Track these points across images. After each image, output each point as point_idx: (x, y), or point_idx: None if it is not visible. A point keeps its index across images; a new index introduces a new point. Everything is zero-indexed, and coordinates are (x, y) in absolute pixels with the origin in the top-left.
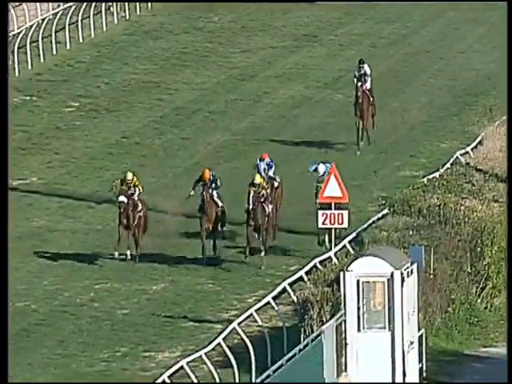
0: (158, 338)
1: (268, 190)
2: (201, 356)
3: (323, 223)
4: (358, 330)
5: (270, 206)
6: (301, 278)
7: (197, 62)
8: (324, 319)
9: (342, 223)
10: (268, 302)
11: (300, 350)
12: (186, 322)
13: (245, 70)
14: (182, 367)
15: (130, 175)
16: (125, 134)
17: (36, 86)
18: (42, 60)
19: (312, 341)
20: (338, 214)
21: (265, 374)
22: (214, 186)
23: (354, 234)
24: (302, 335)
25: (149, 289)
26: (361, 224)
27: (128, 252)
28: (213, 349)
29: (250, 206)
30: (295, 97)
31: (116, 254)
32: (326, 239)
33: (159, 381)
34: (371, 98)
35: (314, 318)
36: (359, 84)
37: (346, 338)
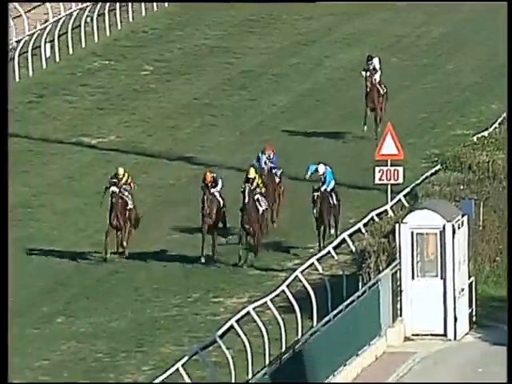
0: (226, 285)
1: (264, 188)
2: (266, 302)
3: (380, 179)
4: (412, 277)
5: (264, 205)
6: (359, 230)
7: (262, 29)
8: (380, 268)
9: (398, 179)
10: (328, 252)
11: (358, 297)
12: (253, 270)
13: (307, 35)
14: (248, 312)
15: (121, 170)
16: (195, 95)
17: (114, 51)
18: (119, 27)
19: (369, 288)
20: (394, 171)
21: (325, 319)
22: (215, 186)
23: (408, 189)
24: (360, 283)
25: (217, 239)
26: (415, 179)
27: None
28: (277, 295)
29: (245, 204)
30: (353, 60)
31: (106, 253)
32: (332, 231)
33: (223, 329)
34: (381, 90)
35: (371, 266)
36: (368, 75)
37: (401, 286)
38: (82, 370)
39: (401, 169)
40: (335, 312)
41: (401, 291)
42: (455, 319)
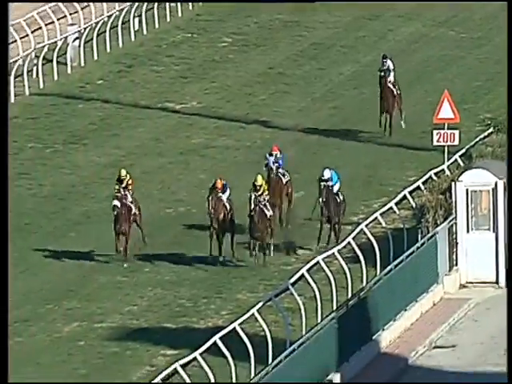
0: (298, 237)
1: (268, 191)
2: (334, 253)
3: (437, 141)
4: (467, 231)
5: (271, 210)
6: (418, 187)
7: (331, 5)
8: (438, 222)
9: (454, 141)
10: (391, 207)
11: (418, 248)
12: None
13: (371, 10)
14: (317, 262)
15: (123, 172)
16: (270, 65)
17: (196, 25)
18: (200, 4)
19: (428, 240)
20: (451, 133)
21: (387, 269)
22: (224, 192)
23: (463, 150)
24: (420, 235)
25: None
26: (469, 141)
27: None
28: (344, 247)
29: (252, 213)
30: (414, 33)
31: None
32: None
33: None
34: (395, 91)
35: (429, 221)
36: (382, 74)
37: (456, 238)
38: (166, 315)
39: (457, 132)
40: (396, 262)
41: (456, 243)
42: (506, 269)
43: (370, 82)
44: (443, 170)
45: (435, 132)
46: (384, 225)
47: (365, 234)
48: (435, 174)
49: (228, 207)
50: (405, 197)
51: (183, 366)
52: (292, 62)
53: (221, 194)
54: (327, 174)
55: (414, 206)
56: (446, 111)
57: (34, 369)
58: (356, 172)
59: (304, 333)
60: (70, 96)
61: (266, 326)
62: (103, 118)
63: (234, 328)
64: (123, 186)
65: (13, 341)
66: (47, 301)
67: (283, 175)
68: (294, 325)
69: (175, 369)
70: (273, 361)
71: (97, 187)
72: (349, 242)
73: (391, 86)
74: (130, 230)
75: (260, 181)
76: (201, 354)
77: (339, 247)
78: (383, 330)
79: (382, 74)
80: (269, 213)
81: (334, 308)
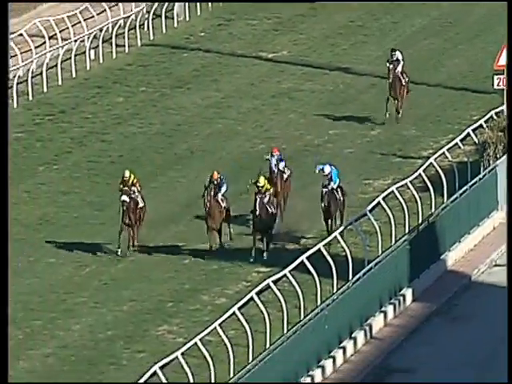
0: (375, 170)
1: (271, 190)
2: (406, 183)
3: (497, 85)
4: None
5: (273, 207)
6: (481, 126)
7: None
8: (498, 156)
9: None
10: (456, 143)
11: (480, 179)
12: (395, 158)
13: None
14: (392, 191)
15: (127, 173)
16: (350, 19)
17: None
18: None
19: (489, 172)
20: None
21: (453, 197)
22: (220, 187)
23: None
24: (481, 168)
25: (367, 133)
26: None
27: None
28: (415, 178)
29: (257, 212)
30: None
31: (118, 248)
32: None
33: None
34: (403, 80)
35: (490, 155)
36: (391, 67)
37: None
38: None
39: None
40: (461, 191)
41: None
42: None
43: (438, 34)
44: (502, 110)
45: (495, 77)
46: (450, 159)
47: (433, 166)
48: (496, 113)
49: (222, 205)
50: (469, 134)
51: (275, 282)
52: (370, 16)
53: (215, 191)
54: (327, 169)
55: (476, 142)
56: (505, 59)
57: (146, 284)
58: (427, 113)
59: (380, 253)
60: (176, 46)
61: (346, 248)
62: (205, 66)
63: (319, 249)
64: (129, 184)
65: (129, 260)
66: (157, 223)
67: (284, 172)
68: (371, 246)
69: (268, 284)
70: (353, 277)
71: (199, 126)
72: (420, 174)
73: (399, 76)
74: (137, 222)
75: (262, 181)
76: (290, 272)
77: (411, 178)
78: (449, 250)
79: (392, 66)
80: (271, 210)
81: (407, 231)
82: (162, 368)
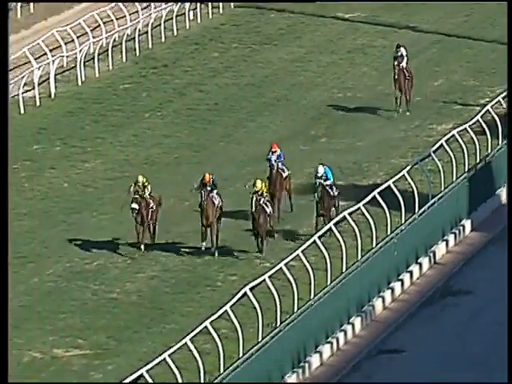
0: (438, 116)
1: (266, 194)
2: (465, 128)
3: None
4: None
5: (270, 207)
6: None
7: None
8: None
9: None
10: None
11: None
12: (456, 105)
13: None
14: (453, 135)
15: (140, 178)
16: None
17: None
18: None
19: None
20: None
21: (506, 140)
22: (213, 188)
23: None
24: None
25: (431, 84)
26: None
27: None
28: (474, 123)
29: (253, 211)
30: None
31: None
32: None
33: None
34: (407, 74)
35: None
36: (396, 63)
37: None
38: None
39: None
40: None
41: None
42: None
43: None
44: None
45: None
46: (504, 106)
47: (490, 112)
48: None
49: (216, 203)
50: None
51: (350, 214)
52: None
53: (209, 189)
54: (321, 170)
55: None
56: None
57: (239, 214)
58: (484, 66)
59: (442, 189)
60: (264, 7)
61: (413, 184)
62: (289, 25)
63: (389, 185)
64: (141, 189)
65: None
66: (254, 159)
67: (283, 171)
68: (434, 183)
69: (344, 216)
70: (419, 210)
71: (284, 77)
72: (478, 119)
73: (404, 70)
74: (150, 222)
75: (259, 186)
76: (364, 205)
77: (470, 123)
78: (503, 186)
79: (396, 62)
80: (268, 209)
81: (466, 170)
82: (251, 289)
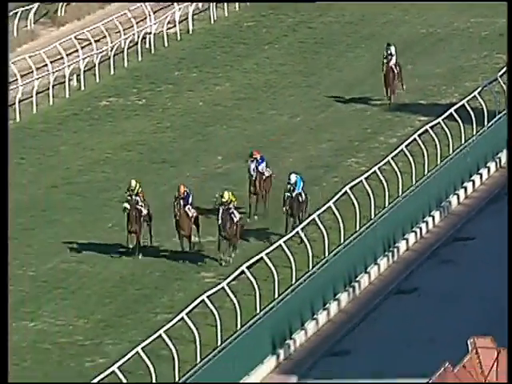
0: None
1: (235, 202)
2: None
3: None
4: None
5: (238, 216)
6: None
7: None
8: None
9: None
10: None
11: None
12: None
13: None
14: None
15: (133, 182)
16: None
17: None
18: None
19: None
20: None
21: None
22: (187, 199)
23: None
24: None
25: (498, 21)
26: None
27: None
28: None
29: (220, 221)
30: None
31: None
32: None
33: None
34: (396, 71)
35: None
36: (385, 61)
37: None
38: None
39: None
40: None
41: None
42: None
43: None
44: None
45: None
46: None
47: None
48: None
49: (190, 214)
50: None
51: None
52: None
53: (183, 203)
54: (293, 178)
55: None
56: None
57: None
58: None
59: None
60: None
61: (483, 102)
62: None
63: (463, 104)
64: (134, 193)
65: None
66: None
67: (263, 173)
68: (500, 102)
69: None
70: (488, 123)
71: (377, 16)
72: None
73: (393, 67)
74: (141, 229)
75: (226, 197)
76: (443, 120)
77: None
78: None
79: (385, 60)
80: (236, 218)
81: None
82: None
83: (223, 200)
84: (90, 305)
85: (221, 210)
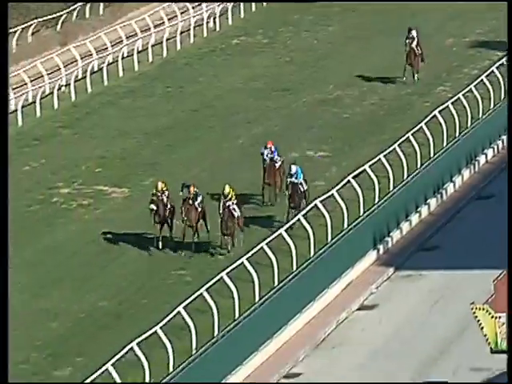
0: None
1: (234, 199)
2: None
3: None
4: None
5: (238, 210)
6: None
7: None
8: None
9: None
10: None
11: None
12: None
13: None
14: None
15: (160, 185)
16: None
17: None
18: None
19: None
20: None
21: None
22: (196, 197)
23: None
24: None
25: None
26: None
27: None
28: None
29: (221, 213)
30: None
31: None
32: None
33: None
34: (417, 52)
35: None
36: (408, 42)
37: None
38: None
39: None
40: None
41: None
42: None
43: None
44: None
45: None
46: None
47: None
48: None
49: (199, 209)
50: None
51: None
52: None
53: (193, 200)
54: (294, 169)
55: None
56: None
57: None
58: None
59: None
60: None
61: None
62: None
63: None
64: (160, 192)
65: None
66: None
67: (276, 161)
68: None
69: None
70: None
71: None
72: None
73: (415, 48)
74: (168, 220)
75: (227, 190)
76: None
77: None
78: None
79: (408, 41)
80: (236, 213)
81: None
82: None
83: (225, 193)
84: None
85: (221, 205)
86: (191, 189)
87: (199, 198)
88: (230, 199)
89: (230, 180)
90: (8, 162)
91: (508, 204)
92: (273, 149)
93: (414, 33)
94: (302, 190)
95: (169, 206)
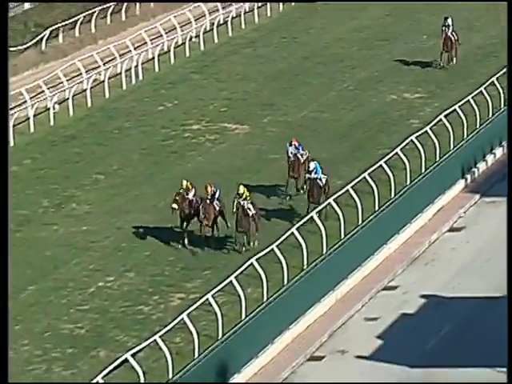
0: None
1: (249, 198)
2: None
3: None
4: None
5: (253, 209)
6: None
7: None
8: None
9: None
10: None
11: None
12: None
13: None
14: None
15: (184, 183)
16: None
17: None
18: None
19: None
20: None
21: None
22: (215, 196)
23: None
24: None
25: None
26: None
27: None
28: None
29: (234, 211)
30: None
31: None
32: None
33: None
34: (453, 38)
35: None
36: (444, 30)
37: None
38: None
39: None
40: None
41: None
42: None
43: None
44: None
45: None
46: None
47: None
48: None
49: (217, 208)
50: None
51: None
52: None
53: (212, 199)
54: (312, 166)
55: None
56: None
57: None
58: None
59: None
60: None
61: None
62: None
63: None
64: (185, 190)
65: None
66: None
67: (301, 156)
68: None
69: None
70: None
71: None
72: None
73: (450, 35)
74: (193, 216)
75: (242, 190)
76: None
77: None
78: None
79: (445, 28)
80: (251, 212)
81: None
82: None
83: (239, 193)
84: None
85: (235, 204)
86: (208, 189)
87: (217, 195)
88: (245, 198)
89: (335, 120)
90: (8, 161)
91: (507, 206)
92: (297, 145)
93: (449, 21)
94: (321, 185)
95: (194, 202)
